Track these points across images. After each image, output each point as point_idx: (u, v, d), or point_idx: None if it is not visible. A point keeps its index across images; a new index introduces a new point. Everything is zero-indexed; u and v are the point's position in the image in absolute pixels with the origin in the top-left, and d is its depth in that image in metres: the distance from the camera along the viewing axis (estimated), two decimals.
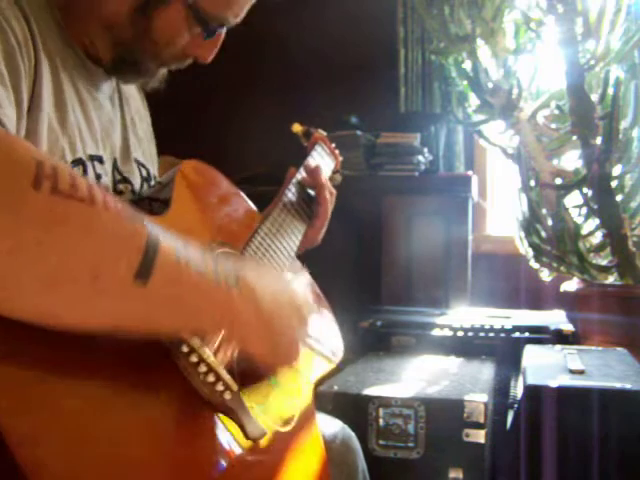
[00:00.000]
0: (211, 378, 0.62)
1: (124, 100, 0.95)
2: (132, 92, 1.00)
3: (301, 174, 1.03)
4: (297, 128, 1.21)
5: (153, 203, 0.84)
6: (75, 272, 0.48)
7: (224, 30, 0.88)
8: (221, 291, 0.58)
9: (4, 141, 0.49)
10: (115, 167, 0.88)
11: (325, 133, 1.23)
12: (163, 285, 0.52)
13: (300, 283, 0.83)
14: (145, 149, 0.98)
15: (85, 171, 0.80)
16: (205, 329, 0.62)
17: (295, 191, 1.00)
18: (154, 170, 1.00)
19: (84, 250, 0.49)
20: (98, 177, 0.83)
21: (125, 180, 0.89)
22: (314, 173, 1.03)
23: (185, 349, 0.61)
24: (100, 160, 0.84)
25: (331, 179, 1.23)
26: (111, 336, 0.56)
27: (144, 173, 0.94)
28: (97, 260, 0.49)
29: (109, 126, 0.89)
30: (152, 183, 0.96)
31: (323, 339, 0.90)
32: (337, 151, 1.24)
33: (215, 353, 0.65)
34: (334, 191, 1.06)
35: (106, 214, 0.50)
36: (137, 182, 0.92)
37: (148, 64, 0.85)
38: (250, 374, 0.71)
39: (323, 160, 1.16)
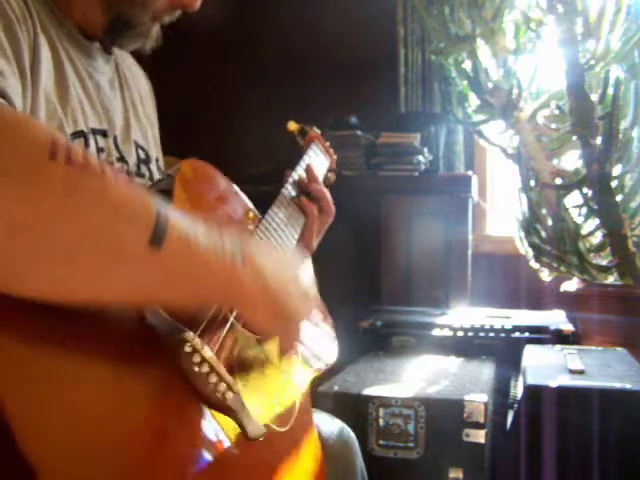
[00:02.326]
0: (213, 378, 0.62)
1: (124, 84, 0.96)
2: (137, 78, 1.01)
3: (297, 173, 1.04)
4: (292, 126, 1.21)
5: None
6: (93, 240, 0.49)
7: None
8: (227, 265, 0.59)
9: (18, 118, 0.51)
10: (115, 144, 0.89)
11: (320, 131, 1.24)
12: (174, 254, 0.54)
13: (303, 265, 0.84)
14: (146, 132, 0.99)
15: (87, 144, 0.81)
16: (212, 300, 0.63)
17: (291, 191, 1.00)
18: (156, 153, 1.01)
19: (101, 218, 0.50)
20: (100, 150, 0.84)
21: (122, 159, 0.90)
22: (309, 181, 1.04)
23: (188, 349, 0.61)
24: (103, 134, 0.86)
25: (326, 178, 1.24)
26: (114, 335, 0.56)
27: (142, 155, 0.95)
28: (113, 228, 0.50)
29: (109, 106, 0.89)
30: (152, 166, 0.97)
31: (314, 343, 0.90)
32: (332, 150, 1.25)
33: (217, 353, 0.65)
34: (328, 196, 1.07)
35: (117, 185, 0.52)
36: (132, 163, 0.92)
37: (140, 18, 0.86)
38: (249, 374, 0.71)
39: (318, 158, 1.16)
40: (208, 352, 0.62)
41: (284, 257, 0.76)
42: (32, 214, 0.47)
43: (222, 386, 0.63)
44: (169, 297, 0.57)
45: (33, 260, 0.47)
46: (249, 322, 0.70)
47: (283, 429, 0.74)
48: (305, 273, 0.79)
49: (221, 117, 3.13)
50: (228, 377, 0.63)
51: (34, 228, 0.47)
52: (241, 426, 0.64)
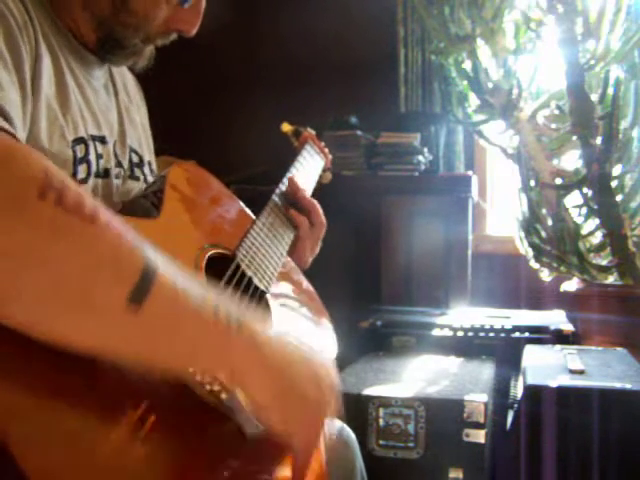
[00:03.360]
0: (208, 377, 0.62)
1: (118, 89, 0.96)
2: (127, 82, 1.01)
3: (284, 184, 1.04)
4: (286, 128, 1.21)
5: (145, 204, 0.85)
6: (67, 286, 0.48)
7: None
8: (219, 328, 0.55)
9: (12, 151, 0.50)
10: (114, 150, 0.89)
11: (314, 132, 1.24)
12: (157, 313, 0.51)
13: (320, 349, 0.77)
14: (140, 137, 0.99)
15: (87, 150, 0.81)
16: (200, 367, 0.57)
17: (278, 202, 1.00)
18: (149, 157, 1.01)
19: (79, 266, 0.48)
20: (99, 157, 0.84)
21: (119, 164, 0.90)
22: (294, 193, 1.03)
23: None
24: (102, 140, 0.86)
25: (321, 177, 1.24)
26: None
27: (135, 159, 0.95)
28: (90, 278, 0.49)
29: (106, 111, 0.90)
30: (145, 169, 0.97)
31: (312, 339, 0.90)
32: (327, 149, 1.25)
33: None
34: (318, 208, 1.06)
35: (106, 235, 0.50)
36: (127, 167, 0.93)
37: (131, 40, 0.86)
38: None
39: (313, 159, 1.16)
40: None
41: (293, 337, 0.65)
42: (6, 244, 0.45)
43: (217, 386, 0.62)
44: (151, 356, 0.53)
45: (6, 290, 0.46)
46: (245, 393, 0.60)
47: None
48: (325, 358, 0.68)
49: (221, 118, 3.12)
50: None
51: (8, 258, 0.46)
52: (239, 425, 0.64)
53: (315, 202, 1.05)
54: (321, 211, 1.05)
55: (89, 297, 0.48)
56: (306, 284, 1.00)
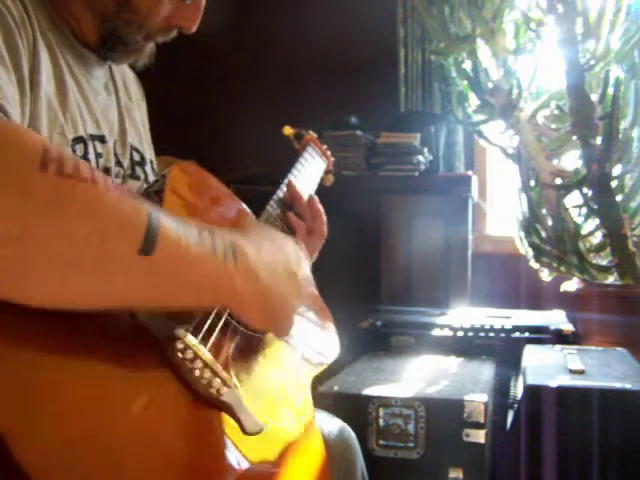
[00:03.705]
0: (207, 374, 0.62)
1: (118, 87, 0.96)
2: (128, 80, 1.01)
3: (281, 191, 1.03)
4: (288, 131, 1.21)
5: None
6: (83, 250, 0.49)
7: None
8: (219, 266, 0.59)
9: (10, 128, 0.51)
10: (114, 148, 0.89)
11: (316, 135, 1.24)
12: (165, 260, 0.54)
13: (301, 251, 0.82)
14: (140, 135, 0.99)
15: (86, 150, 0.81)
16: (206, 302, 0.63)
17: (276, 208, 1.00)
18: (150, 156, 1.01)
19: (90, 228, 0.50)
20: (99, 156, 0.84)
21: (119, 163, 0.90)
22: (294, 199, 1.02)
23: (180, 345, 0.61)
24: (101, 140, 0.86)
25: (323, 180, 1.24)
26: (105, 334, 0.56)
27: (137, 158, 0.95)
28: (103, 237, 0.50)
29: (106, 110, 0.90)
30: (147, 168, 0.97)
31: (313, 340, 0.90)
32: (329, 152, 1.25)
33: (210, 349, 0.65)
34: (323, 216, 1.05)
35: (108, 194, 0.52)
36: (127, 165, 0.93)
37: (134, 37, 0.86)
38: (245, 369, 0.71)
39: (314, 161, 1.16)
40: (201, 348, 0.63)
41: (279, 243, 0.73)
42: (20, 227, 0.47)
43: (216, 382, 0.63)
44: (163, 300, 0.57)
45: (24, 271, 0.47)
46: (241, 320, 0.70)
47: (284, 425, 0.74)
48: (301, 255, 0.76)
49: (220, 118, 3.13)
50: (223, 372, 0.64)
51: (23, 240, 0.47)
52: (238, 421, 0.64)
53: (320, 209, 1.04)
54: (324, 219, 1.04)
55: (104, 256, 0.50)
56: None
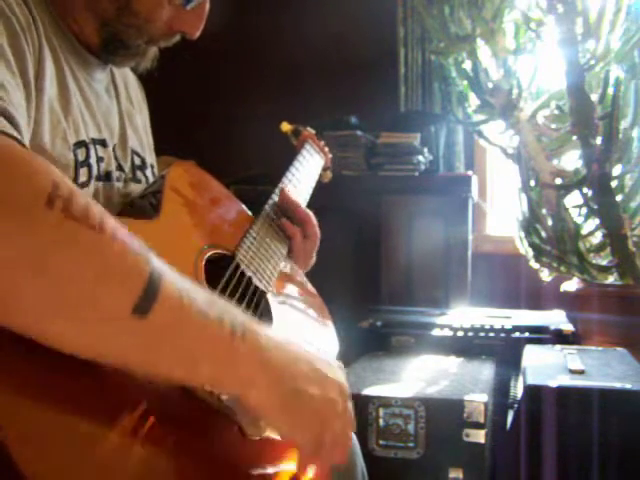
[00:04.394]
0: (213, 388, 0.62)
1: (119, 91, 0.96)
2: (129, 84, 1.01)
3: (277, 191, 1.03)
4: (286, 127, 1.21)
5: (144, 205, 0.84)
6: (73, 294, 0.48)
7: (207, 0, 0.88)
8: (223, 338, 0.55)
9: (22, 156, 0.50)
10: (114, 152, 0.89)
11: (314, 131, 1.24)
12: (162, 323, 0.51)
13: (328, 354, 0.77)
14: (141, 138, 0.99)
15: (88, 154, 0.81)
16: (205, 376, 0.56)
17: (271, 212, 0.99)
18: (151, 160, 1.01)
19: (85, 275, 0.48)
20: (100, 160, 0.84)
21: (120, 167, 0.90)
22: (287, 205, 1.01)
23: None
24: (103, 144, 0.85)
25: (322, 176, 1.24)
26: None
27: (137, 162, 0.95)
28: (96, 288, 0.48)
29: (107, 114, 0.90)
30: (147, 172, 0.97)
31: (312, 337, 0.90)
32: (326, 148, 1.25)
33: None
34: (313, 219, 1.04)
35: (112, 244, 0.50)
36: (128, 169, 0.93)
37: (135, 41, 0.86)
38: None
39: (312, 158, 1.16)
40: None
41: (300, 344, 0.65)
42: (13, 252, 0.45)
43: None
44: (153, 366, 0.53)
45: (14, 299, 0.46)
46: (246, 405, 0.59)
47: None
48: (330, 357, 0.68)
49: (221, 118, 3.12)
50: None
51: (15, 267, 0.45)
52: (239, 426, 0.64)
53: (310, 213, 1.03)
54: (315, 222, 1.03)
55: (95, 306, 0.48)
56: (308, 285, 1.00)
